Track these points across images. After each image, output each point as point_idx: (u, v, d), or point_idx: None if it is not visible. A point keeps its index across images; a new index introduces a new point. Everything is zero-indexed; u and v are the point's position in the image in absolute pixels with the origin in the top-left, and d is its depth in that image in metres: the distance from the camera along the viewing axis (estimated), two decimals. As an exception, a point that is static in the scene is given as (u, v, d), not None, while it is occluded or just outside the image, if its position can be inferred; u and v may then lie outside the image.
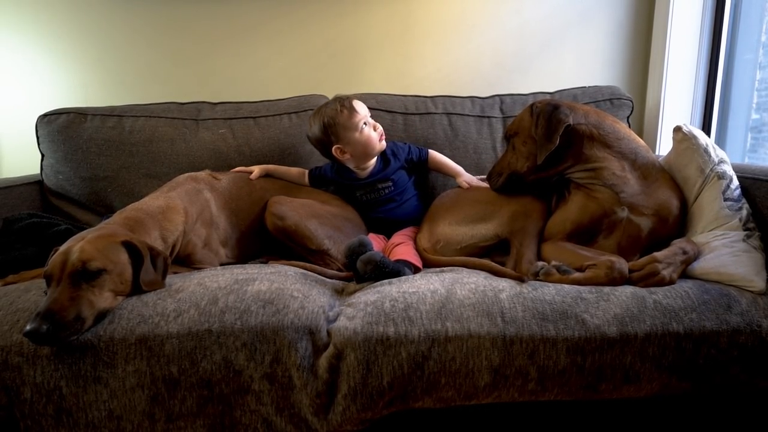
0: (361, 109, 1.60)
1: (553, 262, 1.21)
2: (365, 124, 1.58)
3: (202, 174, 1.51)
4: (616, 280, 1.14)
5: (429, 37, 2.08)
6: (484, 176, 1.60)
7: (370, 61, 2.09)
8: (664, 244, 1.24)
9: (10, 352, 0.97)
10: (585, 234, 1.31)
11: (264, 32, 2.06)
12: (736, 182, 1.29)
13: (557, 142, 1.28)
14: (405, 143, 1.73)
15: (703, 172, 1.31)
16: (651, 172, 1.32)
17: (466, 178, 1.64)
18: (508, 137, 1.46)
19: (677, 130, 1.37)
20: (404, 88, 2.04)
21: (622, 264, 1.16)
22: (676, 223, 1.31)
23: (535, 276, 1.20)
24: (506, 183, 1.43)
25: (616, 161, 1.31)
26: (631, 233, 1.27)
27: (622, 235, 1.28)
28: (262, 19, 2.05)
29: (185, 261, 1.33)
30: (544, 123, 1.30)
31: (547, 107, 1.33)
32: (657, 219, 1.28)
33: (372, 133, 1.59)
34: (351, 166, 1.65)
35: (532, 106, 1.38)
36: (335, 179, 1.69)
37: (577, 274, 1.17)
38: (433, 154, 1.72)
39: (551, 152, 1.29)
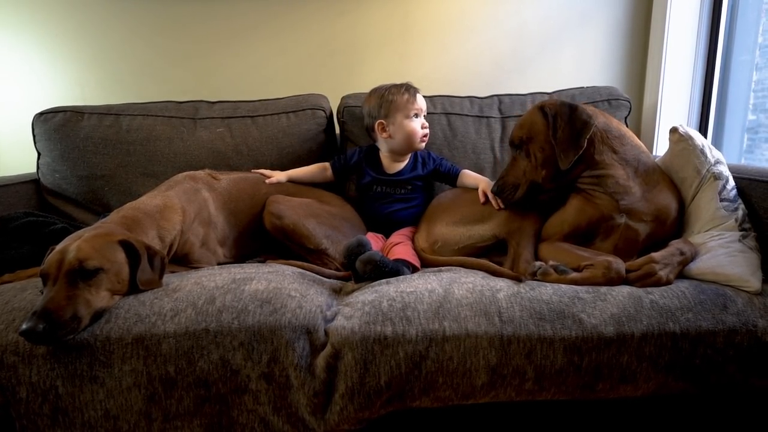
0: (421, 102, 1.63)
1: (551, 262, 1.21)
2: (416, 115, 1.60)
3: (201, 173, 1.50)
4: (613, 280, 1.14)
5: (427, 37, 2.08)
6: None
7: (368, 60, 2.09)
8: (662, 244, 1.24)
9: (6, 351, 0.97)
10: (582, 236, 1.31)
11: (262, 31, 2.06)
12: (732, 183, 1.30)
13: (584, 145, 1.24)
14: (438, 156, 1.72)
15: (699, 173, 1.31)
16: (652, 177, 1.31)
17: (483, 187, 1.52)
18: (519, 144, 1.36)
19: (674, 131, 1.37)
20: (402, 87, 2.04)
21: (619, 264, 1.16)
22: (674, 225, 1.31)
23: (533, 276, 1.20)
24: (527, 194, 1.34)
25: (622, 169, 1.28)
26: (628, 237, 1.27)
27: (620, 239, 1.27)
28: (261, 18, 2.05)
29: (183, 260, 1.33)
30: (565, 126, 1.25)
31: (563, 108, 1.27)
32: (655, 223, 1.28)
33: (418, 127, 1.61)
34: (383, 149, 1.66)
35: (541, 108, 1.32)
36: (359, 164, 1.68)
37: (574, 274, 1.17)
38: (465, 172, 1.66)
39: (582, 149, 1.24)
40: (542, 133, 1.30)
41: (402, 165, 1.66)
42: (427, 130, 1.64)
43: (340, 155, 1.74)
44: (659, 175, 1.33)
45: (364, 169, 1.67)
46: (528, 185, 1.34)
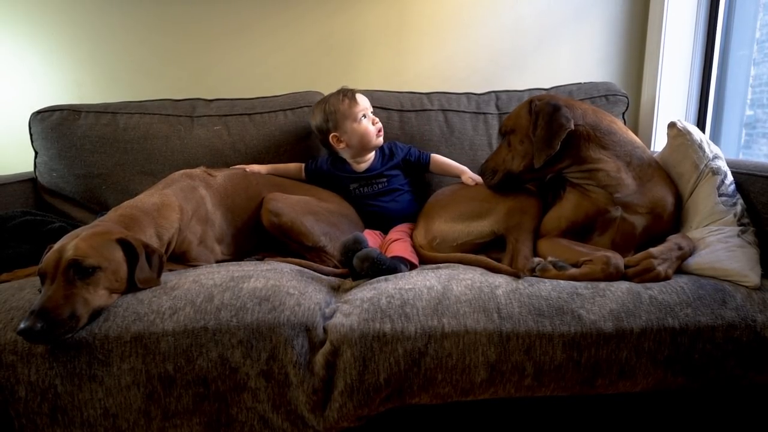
0: (362, 101, 1.64)
1: (550, 258, 1.21)
2: (364, 116, 1.62)
3: (198, 171, 1.50)
4: (612, 275, 1.14)
5: (424, 34, 2.08)
6: None
7: (365, 57, 2.09)
8: (660, 239, 1.24)
9: (4, 350, 0.97)
10: (580, 231, 1.31)
11: (259, 29, 2.05)
12: (730, 178, 1.30)
13: (558, 147, 1.25)
14: (406, 145, 1.74)
15: (697, 168, 1.31)
16: (646, 171, 1.31)
17: (470, 175, 1.63)
18: (504, 133, 1.42)
19: (672, 126, 1.37)
20: (400, 84, 2.03)
21: (617, 259, 1.16)
22: (671, 219, 1.31)
23: (532, 272, 1.20)
24: (502, 181, 1.41)
25: (612, 162, 1.29)
26: (625, 231, 1.27)
27: (616, 233, 1.28)
28: (258, 16, 2.04)
29: (181, 258, 1.32)
30: (544, 125, 1.27)
31: (547, 107, 1.28)
32: (651, 217, 1.28)
33: (370, 126, 1.63)
34: (346, 156, 1.68)
35: (530, 102, 1.34)
36: (329, 171, 1.70)
37: (573, 270, 1.17)
38: (436, 157, 1.72)
39: (555, 151, 1.26)
40: (524, 127, 1.33)
41: (369, 163, 1.68)
42: (379, 125, 1.66)
43: (314, 159, 1.75)
44: (654, 170, 1.33)
45: (335, 175, 1.69)
46: (504, 173, 1.39)
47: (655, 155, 1.42)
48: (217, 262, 1.39)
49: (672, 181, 1.35)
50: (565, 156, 1.30)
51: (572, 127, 1.26)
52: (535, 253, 1.31)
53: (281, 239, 1.45)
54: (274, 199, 1.46)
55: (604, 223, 1.29)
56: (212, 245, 1.40)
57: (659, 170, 1.34)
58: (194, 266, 1.31)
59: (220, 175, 1.52)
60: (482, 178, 1.48)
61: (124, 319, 1.00)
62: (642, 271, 1.14)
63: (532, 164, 1.31)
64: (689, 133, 1.34)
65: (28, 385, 0.97)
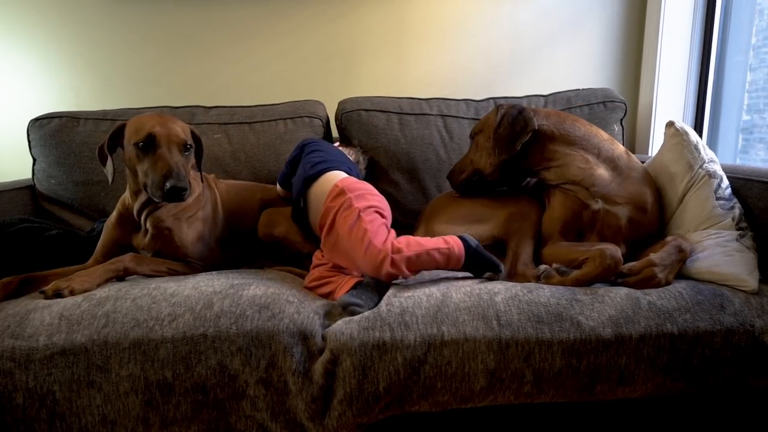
0: None
1: (554, 265, 1.22)
2: None
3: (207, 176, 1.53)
4: (610, 267, 1.14)
5: (423, 40, 2.09)
6: None
7: (365, 64, 2.09)
8: (651, 236, 1.27)
9: (2, 357, 0.96)
10: (574, 230, 1.32)
11: (259, 36, 2.06)
12: (726, 182, 1.31)
13: (518, 148, 1.33)
14: None
15: (692, 168, 1.32)
16: (618, 164, 1.34)
17: None
18: (472, 136, 1.49)
19: (670, 125, 1.39)
20: (399, 90, 2.04)
21: (612, 250, 1.16)
22: (655, 212, 1.34)
23: (537, 279, 1.21)
24: (468, 180, 1.46)
25: (580, 155, 1.34)
26: (610, 223, 1.29)
27: (603, 226, 1.30)
28: (257, 23, 2.05)
29: (177, 256, 1.32)
30: (507, 126, 1.34)
31: (512, 110, 1.36)
32: (633, 207, 1.30)
33: None
34: None
35: (499, 107, 1.41)
36: None
37: (575, 272, 1.17)
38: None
39: (515, 153, 1.34)
40: (490, 127, 1.41)
41: None
42: None
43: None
44: (627, 162, 1.36)
45: None
46: (470, 172, 1.47)
47: (651, 156, 1.43)
48: (215, 267, 1.39)
49: (649, 178, 1.37)
50: (532, 153, 1.36)
51: (535, 126, 1.34)
52: (541, 261, 1.31)
53: (279, 249, 1.46)
54: (267, 212, 1.50)
55: (591, 219, 1.31)
56: (213, 245, 1.41)
57: (632, 162, 1.37)
58: (190, 263, 1.32)
59: (223, 184, 1.55)
60: (450, 180, 1.53)
61: (123, 325, 1.00)
62: (643, 279, 1.14)
63: (500, 163, 1.37)
64: (686, 133, 1.36)
65: (26, 391, 0.97)
